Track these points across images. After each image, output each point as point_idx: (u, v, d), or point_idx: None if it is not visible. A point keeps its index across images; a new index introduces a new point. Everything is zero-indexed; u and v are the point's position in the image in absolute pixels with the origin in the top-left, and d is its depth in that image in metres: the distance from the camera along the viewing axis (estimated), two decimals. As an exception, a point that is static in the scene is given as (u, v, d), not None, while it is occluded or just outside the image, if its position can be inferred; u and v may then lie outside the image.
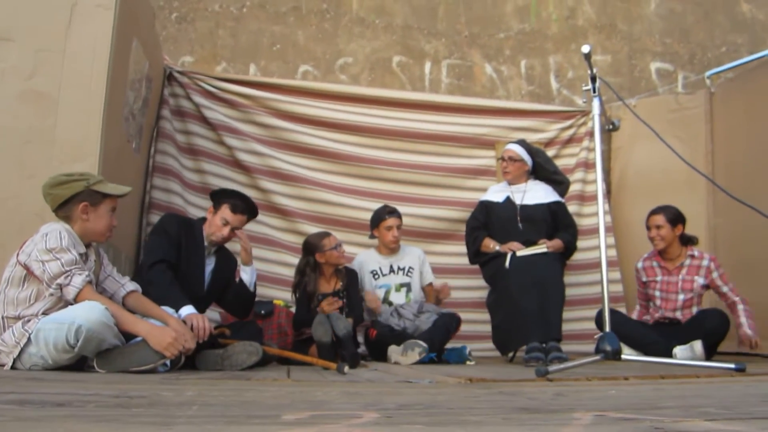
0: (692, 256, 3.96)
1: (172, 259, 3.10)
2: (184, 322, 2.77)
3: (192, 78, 4.42)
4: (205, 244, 3.29)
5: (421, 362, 3.46)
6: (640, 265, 4.14)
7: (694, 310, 3.93)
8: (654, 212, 4.00)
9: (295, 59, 5.19)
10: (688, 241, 4.01)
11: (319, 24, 5.26)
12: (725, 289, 3.91)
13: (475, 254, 4.09)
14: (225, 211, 3.27)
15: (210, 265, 3.33)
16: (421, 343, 3.50)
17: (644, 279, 4.09)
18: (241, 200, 3.35)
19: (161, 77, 4.26)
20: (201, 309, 3.09)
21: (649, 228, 3.99)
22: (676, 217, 3.94)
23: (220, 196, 3.36)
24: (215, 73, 4.71)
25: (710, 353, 3.70)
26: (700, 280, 3.91)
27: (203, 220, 3.36)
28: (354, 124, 4.66)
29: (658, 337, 3.76)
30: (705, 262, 3.94)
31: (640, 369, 2.93)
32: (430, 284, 4.16)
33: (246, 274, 3.35)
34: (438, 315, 3.86)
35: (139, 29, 3.52)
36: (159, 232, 3.20)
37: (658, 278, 4.01)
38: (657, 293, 4.01)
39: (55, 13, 3.06)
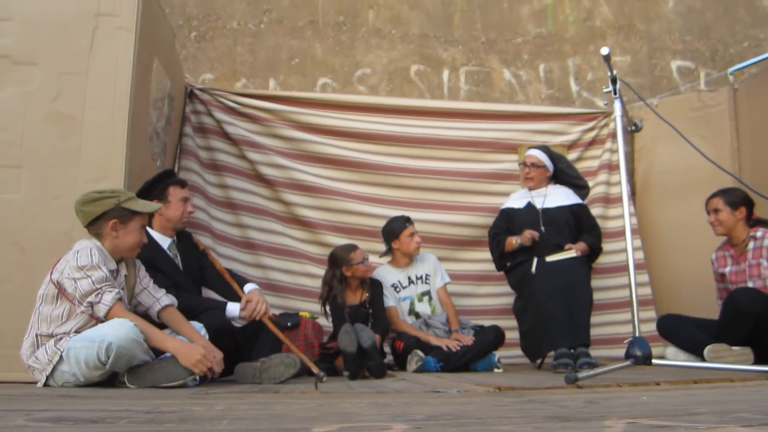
0: (754, 238, 3.54)
1: (163, 280, 3.04)
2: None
3: (213, 95, 4.47)
4: (166, 247, 3.22)
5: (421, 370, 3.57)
6: (713, 256, 3.80)
7: None
8: (712, 195, 3.69)
9: (314, 72, 5.22)
10: (760, 224, 3.59)
11: (336, 36, 5.30)
12: None
13: (500, 258, 4.07)
14: (176, 192, 3.22)
15: (177, 258, 3.27)
16: (419, 353, 3.63)
17: (720, 271, 3.73)
18: (173, 175, 3.40)
19: (183, 95, 4.32)
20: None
21: (708, 213, 3.69)
22: (738, 200, 3.58)
23: (156, 187, 3.21)
24: (235, 89, 4.76)
25: (755, 340, 3.23)
26: (765, 263, 3.46)
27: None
28: (375, 133, 4.66)
29: (702, 335, 3.43)
30: (767, 242, 3.49)
31: (672, 374, 2.87)
32: (444, 287, 4.11)
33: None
34: (478, 329, 3.89)
35: (159, 49, 3.58)
36: None
37: (728, 269, 3.67)
38: (729, 285, 3.65)
39: (77, 37, 3.12)
